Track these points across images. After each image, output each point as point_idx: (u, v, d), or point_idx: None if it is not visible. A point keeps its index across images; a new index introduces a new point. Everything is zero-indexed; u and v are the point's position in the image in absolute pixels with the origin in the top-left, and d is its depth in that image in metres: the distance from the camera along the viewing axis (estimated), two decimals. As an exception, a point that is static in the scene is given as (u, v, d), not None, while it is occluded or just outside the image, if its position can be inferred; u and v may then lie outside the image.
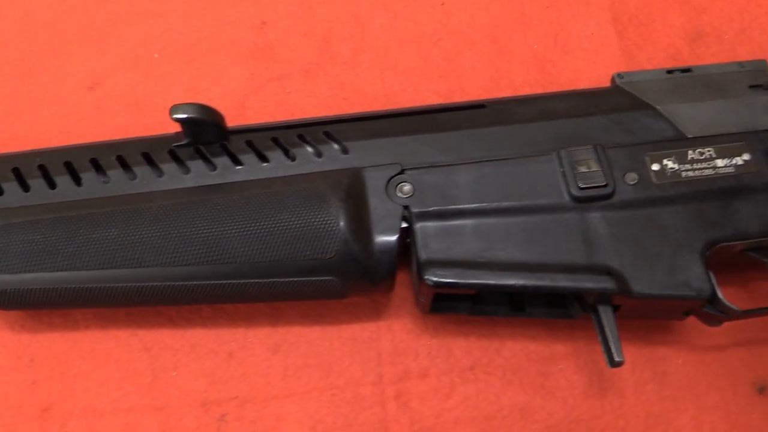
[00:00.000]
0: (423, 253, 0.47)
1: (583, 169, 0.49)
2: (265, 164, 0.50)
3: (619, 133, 0.51)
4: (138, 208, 0.48)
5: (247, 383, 0.51)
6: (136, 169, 0.50)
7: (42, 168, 0.50)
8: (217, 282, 0.48)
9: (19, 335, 0.52)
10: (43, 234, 0.47)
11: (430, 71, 0.59)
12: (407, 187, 0.49)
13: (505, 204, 0.49)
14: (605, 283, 0.47)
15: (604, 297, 0.48)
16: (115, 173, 0.49)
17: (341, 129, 0.51)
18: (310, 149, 0.50)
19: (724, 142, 0.51)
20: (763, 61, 0.56)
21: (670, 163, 0.50)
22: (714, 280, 0.48)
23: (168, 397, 0.51)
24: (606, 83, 0.55)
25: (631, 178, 0.50)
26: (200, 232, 0.47)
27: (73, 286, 0.47)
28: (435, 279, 0.47)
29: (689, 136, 0.51)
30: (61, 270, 0.47)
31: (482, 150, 0.50)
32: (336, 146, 0.50)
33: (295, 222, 0.47)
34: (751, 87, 0.54)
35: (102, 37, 0.59)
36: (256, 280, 0.48)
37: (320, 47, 0.59)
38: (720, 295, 0.48)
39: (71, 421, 0.50)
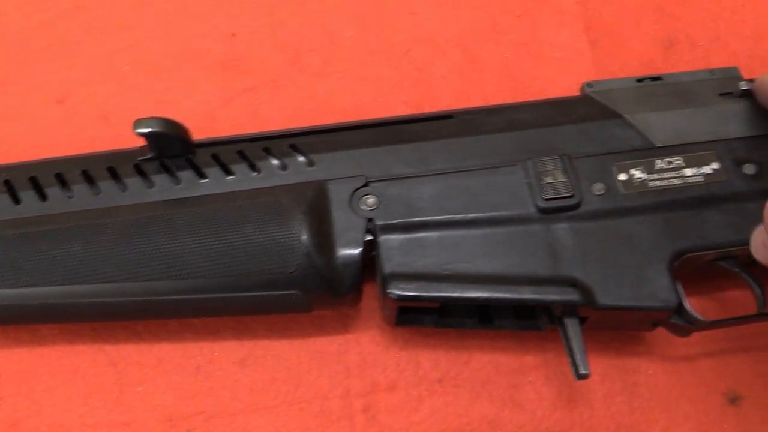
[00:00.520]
0: (386, 266, 0.47)
1: (549, 180, 0.49)
2: (229, 177, 0.50)
3: (587, 142, 0.51)
4: (101, 223, 0.48)
5: (214, 398, 0.51)
6: (101, 184, 0.49)
7: (7, 183, 0.50)
8: (180, 297, 0.48)
9: (-15, 351, 0.52)
10: (5, 250, 0.47)
11: (400, 81, 0.59)
12: (371, 200, 0.48)
13: (470, 216, 0.48)
14: (570, 295, 0.47)
15: (570, 309, 0.47)
16: (80, 188, 0.49)
17: (307, 141, 0.51)
18: (275, 162, 0.50)
19: (693, 151, 0.51)
20: (735, 68, 0.55)
21: (637, 173, 0.50)
22: (681, 291, 0.48)
23: (134, 413, 0.50)
24: (578, 92, 0.54)
25: (598, 188, 0.49)
26: (162, 246, 0.47)
27: (37, 302, 0.47)
28: (398, 292, 0.46)
29: (658, 145, 0.51)
30: (24, 286, 0.47)
31: (448, 161, 0.50)
32: (301, 159, 0.50)
33: (257, 236, 0.47)
34: (721, 95, 0.53)
35: (71, 50, 0.59)
36: (219, 295, 0.48)
37: (290, 59, 0.59)
38: (687, 305, 0.48)
39: (38, 437, 0.50)
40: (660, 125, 0.52)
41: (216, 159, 0.50)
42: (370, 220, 0.48)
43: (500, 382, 0.52)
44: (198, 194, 0.49)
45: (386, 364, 0.52)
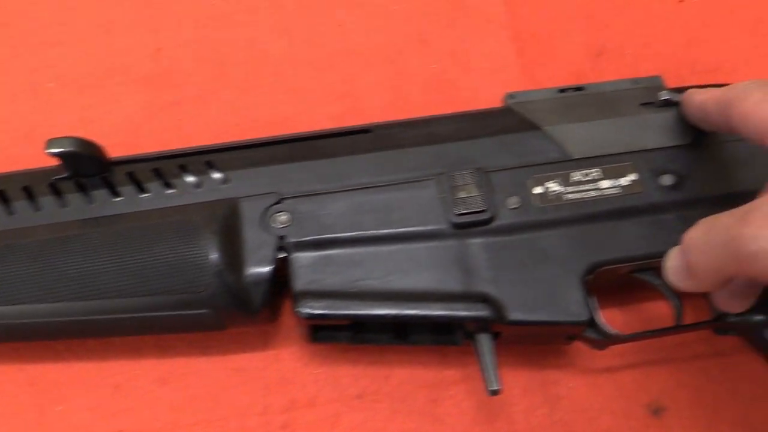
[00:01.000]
0: (297, 284, 0.47)
1: (462, 195, 0.49)
2: (143, 196, 0.49)
3: (504, 155, 0.51)
4: (14, 244, 0.48)
5: (134, 416, 0.51)
6: (16, 204, 0.49)
7: None
8: (93, 317, 0.47)
9: None
10: None
11: (327, 94, 0.58)
12: (284, 217, 0.48)
13: (381, 232, 0.48)
14: (480, 311, 0.47)
15: (482, 325, 0.47)
16: None
17: (224, 158, 0.51)
18: (190, 179, 0.50)
19: (611, 162, 0.51)
20: (658, 77, 0.55)
21: (553, 186, 0.50)
22: (594, 304, 0.48)
23: (54, 432, 0.50)
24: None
25: (513, 202, 0.49)
26: (75, 267, 0.47)
27: (-49, 324, 0.47)
28: (306, 310, 0.46)
29: (576, 157, 0.51)
30: (-62, 308, 0.47)
31: (363, 176, 0.50)
32: (216, 176, 0.50)
33: (167, 256, 0.47)
34: (642, 105, 0.53)
35: (-6, 67, 0.59)
36: (132, 315, 0.47)
37: (215, 73, 0.59)
38: (599, 319, 0.48)
39: (-44, 459, 0.50)
40: (579, 137, 0.51)
41: (131, 177, 0.50)
42: (282, 237, 0.48)
43: (420, 397, 0.52)
44: (111, 213, 0.49)
45: (305, 381, 0.52)
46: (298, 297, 0.47)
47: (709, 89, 0.48)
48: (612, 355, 0.53)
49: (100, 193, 0.49)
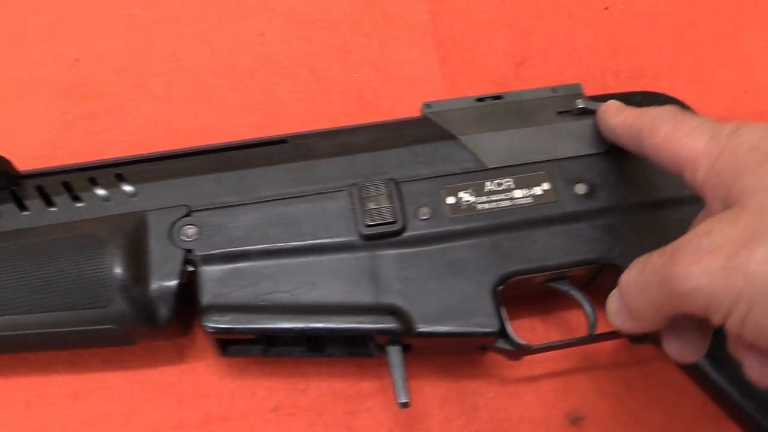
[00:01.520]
0: (204, 298, 0.47)
1: (372, 206, 0.48)
2: (51, 209, 0.49)
3: (418, 166, 0.50)
4: None
5: (45, 433, 0.50)
6: None
7: None
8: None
9: None
10: None
11: (246, 104, 0.58)
12: (192, 230, 0.48)
13: (291, 244, 0.48)
14: (387, 324, 0.46)
15: (391, 337, 0.47)
16: None
17: (134, 170, 0.50)
18: (99, 193, 0.49)
19: (525, 171, 0.50)
20: (578, 85, 0.55)
21: (466, 196, 0.50)
22: (504, 315, 0.48)
23: (-39, 451, 0.49)
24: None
25: (424, 212, 0.49)
26: None
27: None
28: (211, 325, 0.46)
29: (490, 166, 0.51)
30: None
31: (275, 188, 0.49)
32: (125, 189, 0.49)
33: (72, 270, 0.46)
34: (559, 113, 0.53)
35: None
36: (38, 331, 0.47)
37: (133, 83, 0.58)
38: (509, 330, 0.48)
39: None
40: (494, 146, 0.51)
41: (40, 191, 0.49)
42: (189, 251, 0.47)
43: (337, 410, 0.51)
44: (18, 227, 0.48)
45: (221, 394, 0.51)
46: (204, 311, 0.46)
47: (621, 110, 0.47)
48: (531, 364, 0.53)
49: (8, 207, 0.49)
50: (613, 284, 0.51)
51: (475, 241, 0.49)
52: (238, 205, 0.49)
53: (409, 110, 0.55)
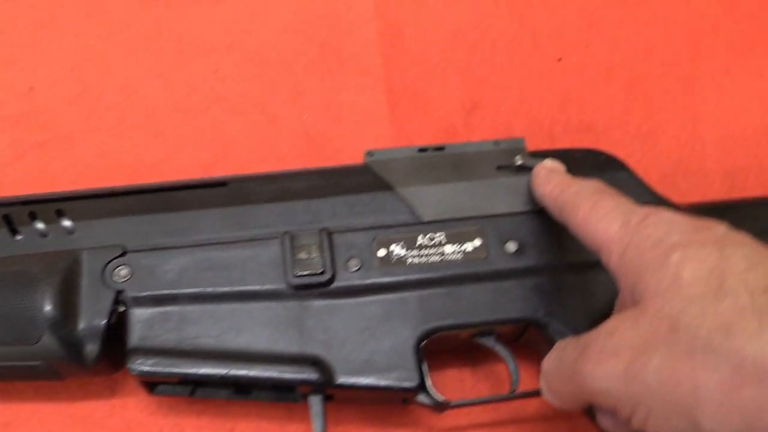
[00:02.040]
0: (131, 340, 0.47)
1: (302, 256, 0.49)
2: (-12, 243, 0.49)
3: (352, 216, 0.51)
4: None
5: (-26, 460, 0.51)
6: None
7: None
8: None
9: None
10: None
11: (196, 141, 0.59)
12: (124, 271, 0.48)
13: (221, 290, 0.49)
14: (308, 374, 0.47)
15: (312, 387, 0.48)
16: None
17: (75, 207, 0.51)
18: (38, 227, 0.50)
19: (458, 227, 0.51)
20: (521, 139, 0.55)
21: (397, 249, 0.50)
22: (426, 370, 0.48)
23: None
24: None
25: (354, 264, 0.49)
26: None
27: None
28: (136, 368, 0.47)
29: (425, 220, 0.51)
30: None
31: (209, 232, 0.50)
32: (64, 225, 0.50)
33: (2, 307, 0.47)
34: (499, 168, 0.53)
35: None
36: (-34, 366, 0.48)
37: (86, 114, 0.59)
38: (429, 385, 0.48)
39: None
40: (430, 199, 0.52)
41: (-21, 223, 0.50)
42: (120, 291, 0.48)
43: (263, 451, 0.52)
44: None
45: (149, 431, 0.52)
46: (130, 353, 0.47)
47: (550, 178, 0.48)
48: (458, 414, 0.53)
49: (-55, 239, 0.49)
50: (540, 342, 0.52)
51: (402, 294, 0.49)
52: (172, 248, 0.49)
53: (355, 155, 0.55)
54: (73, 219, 0.50)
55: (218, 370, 0.47)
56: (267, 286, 0.49)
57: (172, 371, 0.47)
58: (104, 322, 0.47)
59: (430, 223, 0.51)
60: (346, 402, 0.50)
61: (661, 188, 0.59)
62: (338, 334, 0.48)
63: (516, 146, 0.55)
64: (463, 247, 0.51)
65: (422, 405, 0.49)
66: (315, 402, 0.48)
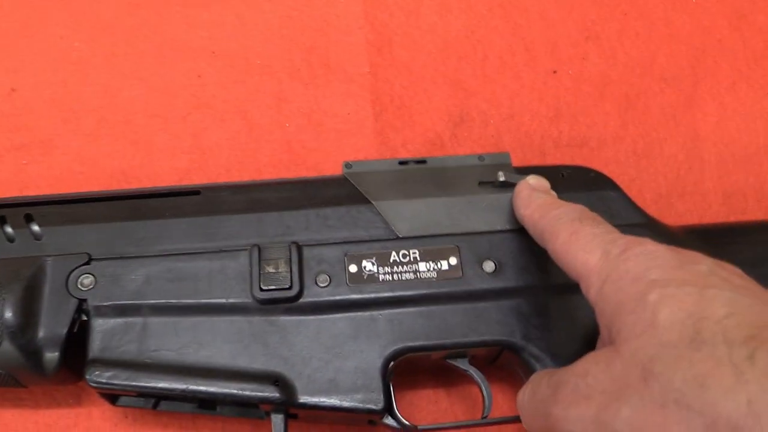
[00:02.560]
0: (91, 351, 0.46)
1: (270, 269, 0.48)
2: (-46, 248, 0.49)
3: (325, 229, 0.50)
4: None
5: (-65, 466, 0.51)
6: None
7: None
8: None
9: None
10: None
11: (174, 147, 0.58)
12: (88, 280, 0.48)
13: (185, 302, 0.47)
14: (268, 392, 0.46)
15: (274, 406, 0.46)
16: None
17: (44, 212, 0.50)
18: (7, 231, 0.49)
19: (433, 244, 0.49)
20: (506, 154, 0.53)
21: (369, 265, 0.49)
22: (392, 392, 0.47)
23: None
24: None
25: (323, 279, 0.48)
26: None
27: None
28: (94, 379, 0.46)
29: (400, 235, 0.50)
30: None
31: (178, 242, 0.49)
32: (32, 231, 0.49)
33: None
34: (481, 184, 0.52)
35: None
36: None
37: (65, 118, 0.58)
38: (395, 409, 0.47)
39: None
40: (407, 214, 0.50)
41: (-53, 226, 0.49)
42: (84, 300, 0.47)
43: (228, 467, 0.51)
44: None
45: (113, 441, 0.51)
46: (89, 364, 0.46)
47: (531, 199, 0.46)
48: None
49: None
50: (516, 366, 0.50)
51: (372, 312, 0.48)
52: (137, 257, 0.48)
53: (337, 166, 0.54)
54: (41, 225, 0.49)
55: (177, 384, 0.46)
56: (232, 300, 0.47)
57: (130, 384, 0.46)
58: (65, 331, 0.46)
59: (405, 239, 0.50)
60: (312, 421, 0.49)
61: (656, 209, 0.57)
62: (303, 351, 0.46)
63: (501, 161, 0.53)
64: (438, 265, 0.49)
65: (389, 428, 0.48)
66: (277, 420, 0.47)
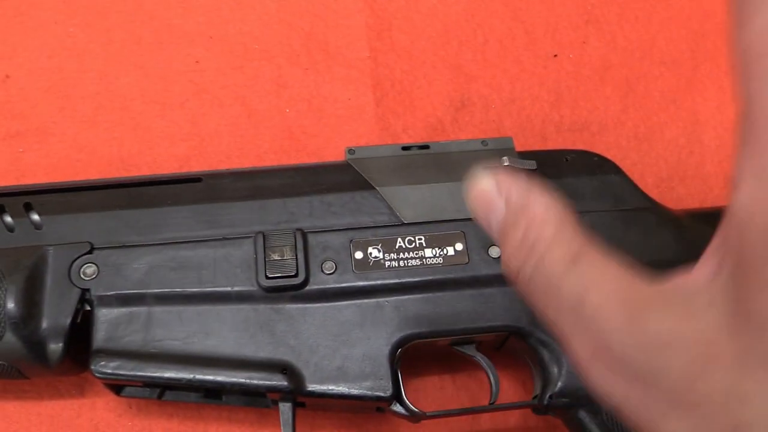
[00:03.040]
0: (96, 342, 0.46)
1: (275, 257, 0.47)
2: (-47, 237, 0.48)
3: (329, 216, 0.49)
4: None
5: (-63, 460, 0.50)
6: None
7: None
8: None
9: None
10: None
11: (172, 134, 0.57)
12: (91, 269, 0.47)
13: (190, 290, 0.47)
14: (276, 381, 0.45)
15: (282, 394, 0.46)
16: None
17: (44, 201, 0.49)
18: (6, 220, 0.48)
19: (439, 230, 0.49)
20: (509, 138, 0.53)
21: (374, 252, 0.48)
22: (401, 379, 0.47)
23: None
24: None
25: (329, 266, 0.48)
26: None
27: None
28: (99, 369, 0.45)
29: (405, 221, 0.49)
30: None
31: (180, 230, 0.48)
32: (32, 220, 0.48)
33: None
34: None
35: None
36: (-74, 361, 0.46)
37: (61, 104, 0.57)
38: (404, 395, 0.47)
39: None
40: (412, 200, 0.50)
41: (-55, 216, 0.48)
42: (86, 290, 0.46)
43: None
44: None
45: (117, 432, 0.51)
46: (93, 354, 0.45)
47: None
48: (437, 423, 0.52)
49: None
50: (523, 352, 0.50)
51: (378, 299, 0.47)
52: (140, 245, 0.48)
53: (338, 152, 0.53)
54: (41, 213, 0.48)
55: (183, 374, 0.45)
56: (237, 288, 0.47)
57: (136, 374, 0.45)
58: (68, 321, 0.46)
59: (410, 225, 0.49)
60: (320, 409, 0.49)
61: (657, 193, 0.57)
62: (310, 339, 0.46)
63: (504, 146, 0.53)
64: (444, 251, 0.49)
65: (397, 415, 0.48)
66: (285, 409, 0.46)
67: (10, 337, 0.45)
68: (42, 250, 0.47)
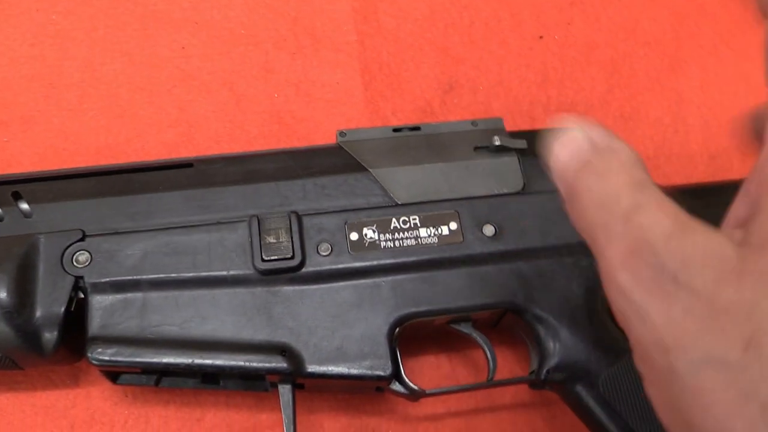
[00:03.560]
0: (91, 328, 0.45)
1: (270, 240, 0.47)
2: (-58, 228, 0.47)
3: (323, 198, 0.49)
4: None
5: (-71, 453, 0.49)
6: None
7: None
8: None
9: None
10: None
11: (160, 120, 0.56)
12: (83, 257, 0.46)
13: (185, 275, 0.47)
14: (276, 363, 0.45)
15: (281, 376, 0.46)
16: None
17: (32, 189, 0.48)
18: (-5, 210, 0.48)
19: (433, 210, 0.49)
20: (499, 119, 0.53)
21: (369, 233, 0.48)
22: (399, 358, 0.47)
23: None
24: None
25: (325, 248, 0.48)
26: None
27: None
28: (96, 356, 0.45)
29: (399, 202, 0.49)
30: None
31: (173, 215, 0.48)
32: (20, 209, 0.48)
33: None
34: (476, 149, 0.52)
35: None
36: None
37: (46, 93, 0.56)
38: (403, 374, 0.47)
39: None
40: (405, 181, 0.50)
41: (-67, 207, 0.48)
42: (80, 278, 0.46)
43: (232, 442, 0.50)
44: None
45: (114, 421, 0.50)
46: (89, 342, 0.45)
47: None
48: (434, 402, 0.52)
49: None
50: (519, 328, 0.50)
51: (375, 280, 0.48)
52: (133, 231, 0.47)
53: (327, 136, 0.53)
54: (30, 202, 0.48)
55: (182, 359, 0.45)
56: (233, 272, 0.47)
57: (134, 361, 0.45)
58: (62, 309, 0.45)
59: (404, 205, 0.49)
60: (318, 390, 0.49)
61: (643, 170, 0.58)
62: (308, 321, 0.46)
63: (494, 126, 0.53)
64: (438, 231, 0.49)
65: (397, 393, 0.48)
66: (285, 391, 0.46)
67: (3, 327, 0.44)
68: (33, 239, 0.47)
